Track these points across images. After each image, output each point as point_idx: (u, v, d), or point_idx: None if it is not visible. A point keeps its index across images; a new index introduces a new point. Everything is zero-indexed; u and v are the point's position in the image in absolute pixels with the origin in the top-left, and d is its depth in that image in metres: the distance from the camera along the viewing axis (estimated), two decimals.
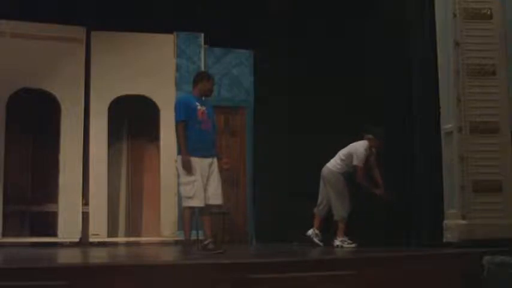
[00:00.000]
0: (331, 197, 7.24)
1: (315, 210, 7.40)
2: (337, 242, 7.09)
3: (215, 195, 5.94)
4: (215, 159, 6.01)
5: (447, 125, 6.09)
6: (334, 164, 7.31)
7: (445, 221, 6.04)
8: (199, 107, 6.00)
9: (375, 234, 7.16)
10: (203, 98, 6.18)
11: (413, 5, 6.92)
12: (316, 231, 7.31)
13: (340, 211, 7.14)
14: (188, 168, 5.81)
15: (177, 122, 5.98)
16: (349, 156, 7.24)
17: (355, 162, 7.14)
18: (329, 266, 4.64)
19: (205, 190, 5.87)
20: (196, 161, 5.86)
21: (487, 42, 6.02)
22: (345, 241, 7.06)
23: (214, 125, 6.19)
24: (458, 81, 5.93)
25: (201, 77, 6.25)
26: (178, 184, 6.36)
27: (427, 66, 6.56)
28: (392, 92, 7.41)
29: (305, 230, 7.44)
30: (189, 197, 5.88)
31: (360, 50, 8.04)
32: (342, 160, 7.29)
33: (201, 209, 5.97)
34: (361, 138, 7.30)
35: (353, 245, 6.99)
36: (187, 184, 5.87)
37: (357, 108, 7.87)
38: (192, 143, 5.88)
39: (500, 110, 5.94)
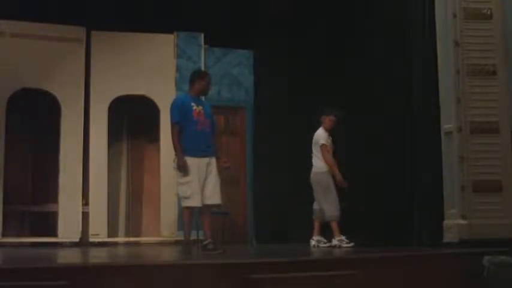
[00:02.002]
0: (320, 199, 7.27)
1: (314, 217, 7.41)
2: (334, 242, 7.10)
3: (213, 195, 5.92)
4: (213, 159, 5.98)
5: (447, 125, 6.09)
6: (315, 163, 7.36)
7: (445, 221, 6.03)
8: (195, 107, 5.97)
9: (375, 234, 7.16)
10: (202, 98, 6.17)
11: (413, 5, 6.92)
12: (318, 238, 7.31)
13: (331, 211, 7.16)
14: (183, 169, 5.80)
15: (172, 124, 5.98)
16: (316, 146, 7.33)
17: (320, 142, 7.26)
18: (329, 266, 4.64)
19: (203, 190, 5.86)
20: (192, 161, 5.83)
21: (487, 42, 6.02)
22: (343, 240, 7.07)
23: (213, 125, 6.17)
24: (458, 81, 5.94)
25: (197, 76, 6.21)
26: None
27: (427, 66, 6.56)
28: (392, 92, 7.41)
29: (305, 230, 7.44)
30: (186, 197, 5.87)
31: (360, 50, 8.04)
32: (316, 156, 7.35)
33: (200, 208, 5.96)
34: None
35: (350, 244, 7.01)
36: (183, 184, 5.87)
37: (356, 108, 7.86)
38: (188, 143, 5.86)
39: (500, 110, 5.95)
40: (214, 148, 6.08)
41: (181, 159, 5.81)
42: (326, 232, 7.31)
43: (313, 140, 7.41)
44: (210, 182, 5.91)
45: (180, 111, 5.96)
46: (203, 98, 6.22)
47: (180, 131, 5.89)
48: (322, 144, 7.27)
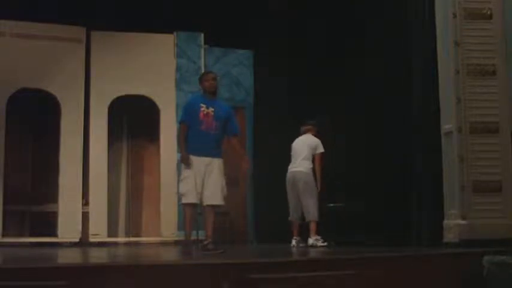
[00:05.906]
0: (306, 199, 7.33)
1: (291, 218, 7.47)
2: (311, 241, 7.19)
3: (213, 196, 5.95)
4: (215, 160, 6.01)
5: (447, 125, 6.08)
6: (306, 165, 7.42)
7: (445, 221, 6.03)
8: (203, 108, 6.04)
9: (375, 234, 7.15)
10: (215, 99, 6.19)
11: (413, 5, 6.92)
12: (298, 238, 7.42)
13: (316, 211, 7.28)
14: (186, 162, 5.93)
15: (179, 122, 6.23)
16: (312, 150, 7.43)
17: (321, 150, 7.40)
18: (329, 266, 4.64)
19: (203, 190, 5.91)
20: (191, 159, 5.92)
21: (487, 42, 6.01)
22: (319, 239, 7.17)
23: (234, 126, 6.19)
24: (458, 81, 5.93)
25: (200, 77, 6.41)
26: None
27: (427, 66, 6.56)
28: (393, 92, 7.40)
29: (304, 230, 7.45)
30: (182, 194, 6.00)
31: (360, 50, 8.04)
32: (308, 159, 7.42)
33: (203, 208, 6.01)
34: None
35: (325, 243, 7.11)
36: (181, 181, 6.02)
37: (356, 108, 7.86)
38: (190, 142, 6.01)
39: (500, 110, 5.93)
40: (220, 150, 6.10)
41: (183, 153, 5.98)
42: (323, 232, 7.33)
43: (308, 144, 7.46)
44: (210, 183, 5.94)
45: (186, 111, 6.17)
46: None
47: (186, 129, 6.04)
48: (323, 153, 7.39)
